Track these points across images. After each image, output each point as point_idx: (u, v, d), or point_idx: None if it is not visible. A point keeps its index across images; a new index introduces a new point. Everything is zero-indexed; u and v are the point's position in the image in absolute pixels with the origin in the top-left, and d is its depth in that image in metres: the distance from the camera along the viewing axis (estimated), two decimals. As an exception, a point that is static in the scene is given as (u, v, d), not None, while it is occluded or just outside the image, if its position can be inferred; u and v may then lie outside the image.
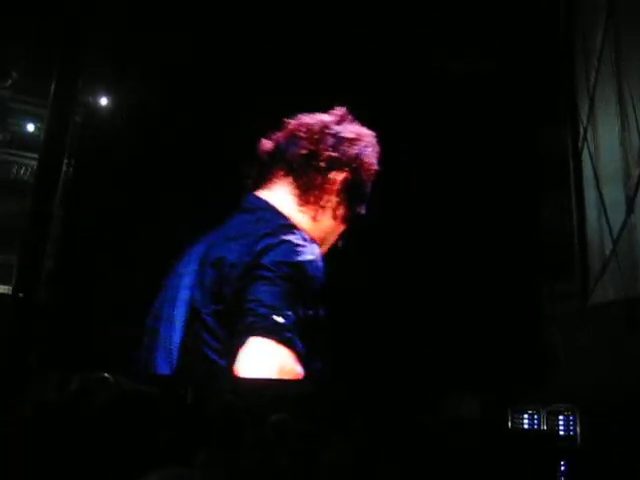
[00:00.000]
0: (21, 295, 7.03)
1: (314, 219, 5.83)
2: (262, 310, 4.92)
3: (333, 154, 5.91)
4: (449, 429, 3.13)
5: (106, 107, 8.75)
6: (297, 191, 5.87)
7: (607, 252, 5.90)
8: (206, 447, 2.70)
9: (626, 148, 5.13)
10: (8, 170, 9.91)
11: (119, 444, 2.44)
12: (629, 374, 4.21)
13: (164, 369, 5.75)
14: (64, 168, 7.93)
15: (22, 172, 9.81)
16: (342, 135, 6.02)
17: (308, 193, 5.87)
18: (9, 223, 8.98)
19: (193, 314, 5.44)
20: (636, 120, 4.69)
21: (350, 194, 5.96)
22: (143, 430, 2.59)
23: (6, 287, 8.83)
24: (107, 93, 8.69)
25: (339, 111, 6.05)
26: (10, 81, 8.97)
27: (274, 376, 4.86)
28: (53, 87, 7.79)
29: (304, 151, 5.93)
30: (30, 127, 9.81)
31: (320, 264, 5.19)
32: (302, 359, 4.93)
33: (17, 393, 3.34)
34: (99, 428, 2.54)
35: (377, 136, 6.28)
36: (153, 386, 4.53)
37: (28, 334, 6.79)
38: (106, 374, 4.69)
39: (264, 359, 4.89)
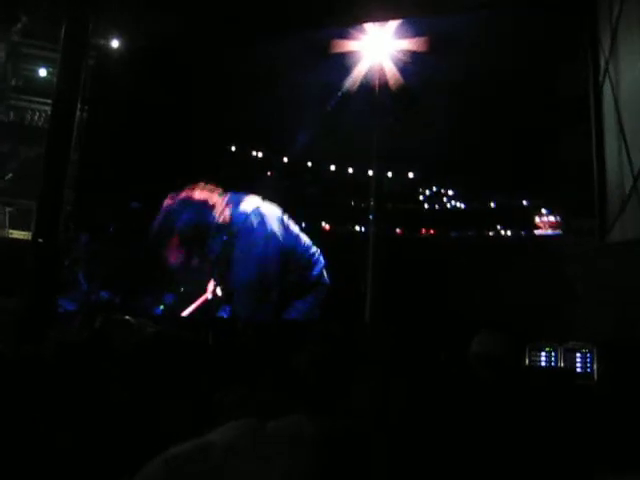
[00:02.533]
0: (40, 240, 7.09)
1: None
2: None
3: None
4: (466, 365, 3.13)
5: (118, 50, 8.64)
6: None
7: (627, 190, 5.80)
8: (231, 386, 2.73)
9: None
10: (22, 116, 9.85)
11: (139, 385, 2.47)
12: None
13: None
14: (78, 113, 7.88)
15: (36, 118, 9.75)
16: None
17: None
18: (26, 170, 8.98)
19: None
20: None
21: None
22: (165, 372, 2.62)
23: (28, 233, 8.91)
24: (119, 35, 8.57)
25: None
26: (20, 25, 8.83)
27: None
28: (64, 30, 7.67)
29: None
30: (42, 72, 9.69)
31: None
32: None
33: (40, 335, 3.37)
34: (119, 369, 2.57)
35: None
36: (175, 328, 4.61)
37: (48, 278, 6.89)
38: (128, 316, 4.77)
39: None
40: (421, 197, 8.81)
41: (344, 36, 7.93)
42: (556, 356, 4.50)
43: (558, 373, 4.33)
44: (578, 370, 4.35)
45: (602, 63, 6.90)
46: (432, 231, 8.69)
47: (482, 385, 2.96)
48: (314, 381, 2.11)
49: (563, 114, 7.33)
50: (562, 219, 7.10)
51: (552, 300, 6.13)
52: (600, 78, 7.02)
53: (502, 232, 8.36)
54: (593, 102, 7.10)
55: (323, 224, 8.28)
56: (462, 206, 8.82)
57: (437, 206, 8.76)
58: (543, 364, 4.53)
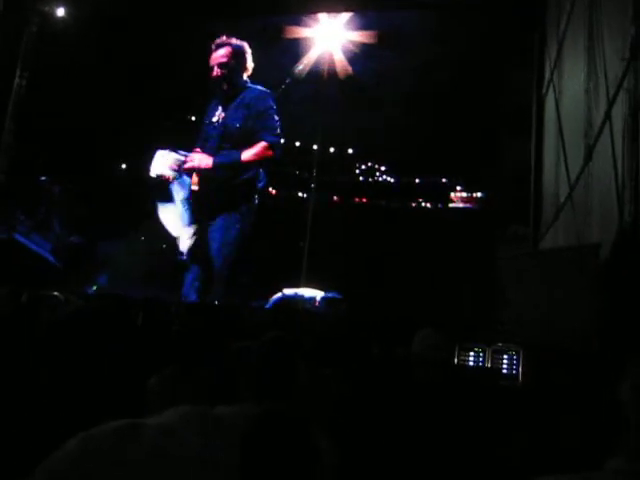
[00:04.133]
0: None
1: None
2: None
3: None
4: (401, 362, 3.17)
5: (62, 17, 8.37)
6: None
7: (562, 199, 5.95)
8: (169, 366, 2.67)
9: (590, 96, 5.10)
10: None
11: (65, 361, 2.40)
12: (573, 318, 4.30)
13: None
14: (17, 80, 7.63)
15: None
16: None
17: None
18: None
19: None
20: (604, 69, 4.65)
21: None
22: (91, 348, 2.56)
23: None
24: (64, 2, 8.32)
25: None
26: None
27: None
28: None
29: None
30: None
31: None
32: None
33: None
34: (45, 344, 2.49)
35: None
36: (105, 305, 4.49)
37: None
38: (56, 292, 4.62)
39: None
40: (357, 171, 10.32)
41: (297, 23, 8.08)
42: (484, 356, 4.58)
43: (485, 373, 4.41)
44: (504, 371, 4.43)
45: (547, 74, 7.08)
46: (364, 200, 10.11)
47: (415, 383, 3.00)
48: (261, 369, 2.09)
49: (506, 119, 7.51)
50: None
51: (484, 301, 6.27)
52: (544, 89, 7.20)
53: (423, 204, 9.89)
54: (535, 111, 7.28)
55: (270, 189, 8.94)
56: (392, 180, 10.31)
57: (370, 179, 10.22)
58: (471, 363, 4.61)
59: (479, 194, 9.72)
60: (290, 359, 2.12)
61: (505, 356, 4.48)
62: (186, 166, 5.75)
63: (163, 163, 5.82)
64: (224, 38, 5.80)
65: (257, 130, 5.67)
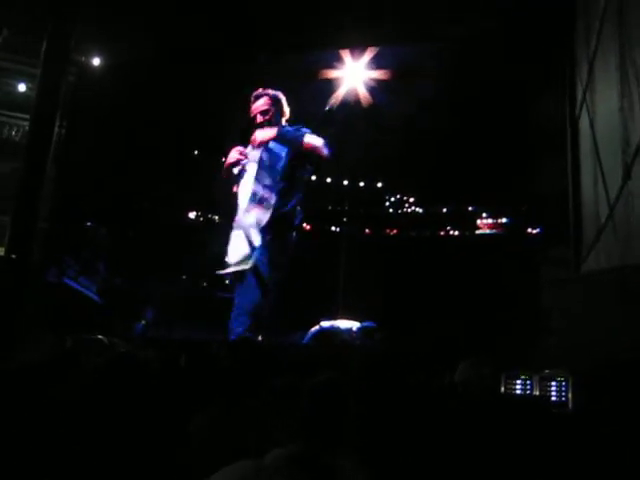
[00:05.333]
0: (14, 256, 7.00)
1: None
2: None
3: None
4: (446, 393, 3.13)
5: (99, 67, 8.65)
6: None
7: (602, 219, 5.87)
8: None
9: (625, 114, 5.06)
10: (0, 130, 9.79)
11: (111, 406, 2.42)
12: (619, 342, 4.22)
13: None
14: (56, 129, 7.86)
15: (14, 133, 9.69)
16: None
17: None
18: (2, 184, 8.91)
19: None
20: (637, 88, 4.61)
21: None
22: (136, 393, 2.58)
23: (1, 248, 8.82)
24: (100, 53, 8.60)
25: None
26: (1, 39, 8.80)
27: None
28: (45, 45, 7.65)
29: None
30: (22, 87, 9.63)
31: None
32: None
33: (7, 353, 3.32)
34: (90, 389, 2.51)
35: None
36: (149, 349, 4.54)
37: (21, 295, 6.78)
38: (100, 336, 4.69)
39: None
40: (386, 203, 10.81)
41: (322, 66, 8.48)
42: (531, 384, 4.51)
43: (533, 401, 4.33)
44: (553, 399, 4.35)
45: (579, 96, 7.04)
46: (395, 231, 10.59)
47: (460, 412, 2.95)
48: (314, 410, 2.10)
49: (541, 143, 7.47)
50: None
51: (530, 328, 6.17)
52: (577, 110, 7.15)
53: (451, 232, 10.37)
54: (570, 133, 7.22)
55: (305, 225, 9.14)
56: (420, 210, 10.86)
57: (400, 210, 10.76)
58: (519, 392, 4.54)
59: (504, 220, 10.26)
60: (344, 401, 2.13)
61: (553, 383, 4.39)
62: (257, 141, 5.89)
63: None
64: (260, 90, 6.08)
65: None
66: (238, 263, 5.58)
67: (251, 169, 5.89)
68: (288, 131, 5.87)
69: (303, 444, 1.98)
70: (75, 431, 2.14)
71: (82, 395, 2.37)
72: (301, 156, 5.81)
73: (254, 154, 5.92)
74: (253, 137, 5.90)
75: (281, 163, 5.78)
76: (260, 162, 5.81)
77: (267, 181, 5.74)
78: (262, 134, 5.85)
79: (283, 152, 5.79)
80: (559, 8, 7.23)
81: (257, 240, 5.56)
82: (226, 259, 5.68)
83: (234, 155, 5.98)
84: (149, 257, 8.37)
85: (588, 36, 6.65)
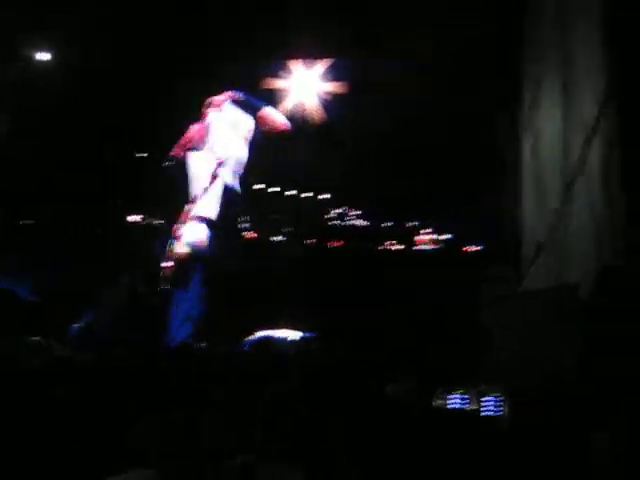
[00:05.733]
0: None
1: None
2: None
3: None
4: (383, 409, 3.14)
5: (45, 63, 8.47)
6: None
7: (542, 239, 6.00)
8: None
9: (567, 139, 5.20)
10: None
11: (47, 407, 2.37)
12: (555, 359, 4.31)
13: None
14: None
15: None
16: None
17: None
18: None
19: None
20: (579, 113, 4.76)
21: None
22: (72, 396, 2.53)
23: None
24: (47, 49, 8.43)
25: None
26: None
27: None
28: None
29: None
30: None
31: None
32: None
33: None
34: (26, 391, 2.46)
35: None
36: (89, 353, 4.44)
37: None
38: (38, 337, 4.56)
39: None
40: (332, 215, 11.09)
41: (273, 74, 8.44)
42: (468, 399, 4.56)
43: (469, 416, 4.38)
44: (489, 413, 4.41)
45: (524, 118, 7.21)
46: (339, 243, 10.86)
47: (396, 430, 2.97)
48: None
49: (485, 162, 7.63)
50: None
51: (467, 344, 6.26)
52: (520, 132, 7.32)
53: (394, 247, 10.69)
54: (513, 153, 7.38)
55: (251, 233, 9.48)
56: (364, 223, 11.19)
57: (344, 223, 11.07)
58: (456, 406, 4.58)
59: (447, 236, 10.53)
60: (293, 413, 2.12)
61: (489, 398, 4.45)
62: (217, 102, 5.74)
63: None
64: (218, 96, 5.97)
65: None
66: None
67: (216, 133, 5.65)
68: (249, 97, 5.74)
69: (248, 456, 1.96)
70: (11, 433, 2.09)
71: (18, 397, 2.32)
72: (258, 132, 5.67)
73: (217, 116, 5.72)
74: (212, 101, 5.68)
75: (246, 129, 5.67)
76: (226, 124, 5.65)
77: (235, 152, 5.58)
78: (220, 96, 5.69)
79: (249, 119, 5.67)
80: (506, 34, 7.42)
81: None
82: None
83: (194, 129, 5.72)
84: (90, 257, 8.18)
85: (534, 63, 6.83)
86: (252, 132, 5.72)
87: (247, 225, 5.73)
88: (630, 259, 3.62)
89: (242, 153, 5.63)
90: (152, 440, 2.28)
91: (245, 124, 5.71)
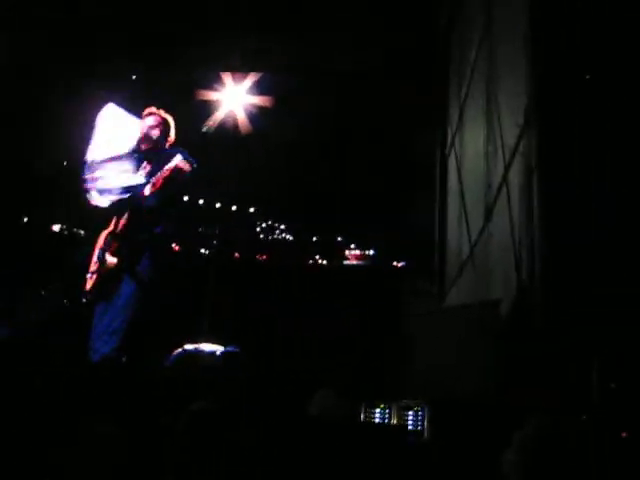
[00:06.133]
0: None
1: None
2: None
3: None
4: (305, 425, 3.14)
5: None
6: None
7: (464, 256, 6.15)
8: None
9: (489, 159, 5.35)
10: None
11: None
12: (475, 374, 4.41)
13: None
14: None
15: None
16: None
17: None
18: None
19: None
20: (501, 134, 4.90)
21: None
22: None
23: None
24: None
25: None
26: None
27: None
28: None
29: None
30: None
31: None
32: None
33: None
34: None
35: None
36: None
37: None
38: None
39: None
40: (258, 229, 11.09)
41: (203, 86, 8.44)
42: (390, 413, 4.61)
43: (390, 430, 4.43)
44: (410, 427, 4.47)
45: (449, 137, 7.40)
46: (264, 257, 10.89)
47: (318, 445, 2.97)
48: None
49: (412, 179, 7.80)
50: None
51: (394, 358, 6.33)
52: (447, 150, 7.51)
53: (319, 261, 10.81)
54: (439, 172, 7.57)
55: (174, 245, 8.92)
56: (290, 238, 11.29)
57: (270, 237, 11.10)
58: (377, 420, 4.63)
59: (371, 252, 10.72)
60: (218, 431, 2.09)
61: (410, 412, 4.51)
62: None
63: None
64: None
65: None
66: None
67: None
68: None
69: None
70: None
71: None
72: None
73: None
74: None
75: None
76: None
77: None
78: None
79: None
80: (432, 56, 7.64)
81: None
82: None
83: None
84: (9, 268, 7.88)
85: (460, 83, 7.02)
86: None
87: (172, 237, 5.62)
88: (546, 281, 3.75)
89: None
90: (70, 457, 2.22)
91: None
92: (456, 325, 5.10)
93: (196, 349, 5.62)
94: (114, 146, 5.63)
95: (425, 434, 4.34)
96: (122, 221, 5.47)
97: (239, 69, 8.38)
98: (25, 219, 9.59)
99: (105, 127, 5.67)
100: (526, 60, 4.16)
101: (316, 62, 7.92)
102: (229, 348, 5.60)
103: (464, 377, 4.57)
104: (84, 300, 5.49)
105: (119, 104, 5.78)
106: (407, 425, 4.47)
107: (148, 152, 5.68)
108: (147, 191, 5.31)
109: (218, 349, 5.71)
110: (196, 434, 2.05)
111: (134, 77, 7.97)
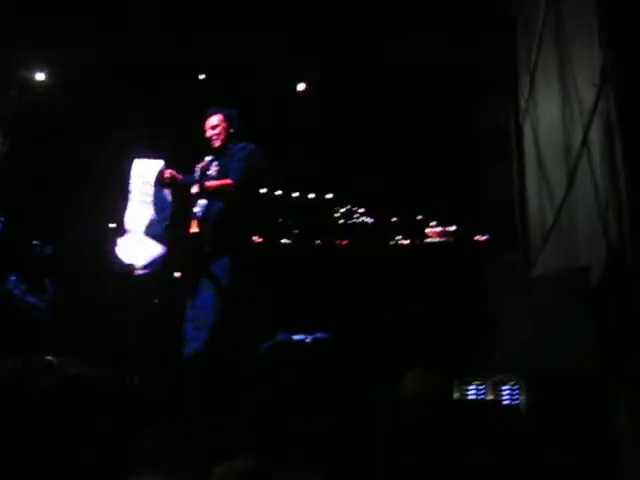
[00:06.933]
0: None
1: None
2: None
3: None
4: (398, 403, 3.15)
5: (42, 82, 8.51)
6: None
7: (547, 226, 6.01)
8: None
9: (567, 123, 5.20)
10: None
11: (60, 426, 2.38)
12: (570, 344, 4.31)
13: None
14: (-1, 146, 7.72)
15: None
16: None
17: None
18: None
19: None
20: (577, 96, 4.75)
21: None
22: (85, 414, 2.53)
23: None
24: (43, 67, 8.47)
25: None
26: None
27: None
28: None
29: None
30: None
31: None
32: None
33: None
34: (40, 411, 2.46)
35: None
36: (98, 369, 4.46)
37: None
38: (50, 357, 4.59)
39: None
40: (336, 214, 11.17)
41: None
42: (484, 389, 4.57)
43: (486, 405, 4.39)
44: (506, 402, 4.42)
45: (522, 104, 7.21)
46: (345, 242, 10.94)
47: (417, 423, 2.98)
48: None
49: (487, 150, 7.64)
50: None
51: (480, 333, 6.27)
52: (520, 118, 7.33)
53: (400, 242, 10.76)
54: (515, 141, 7.39)
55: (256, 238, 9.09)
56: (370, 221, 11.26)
57: (349, 221, 11.16)
58: (472, 397, 4.60)
59: (453, 227, 10.56)
60: (287, 411, 2.12)
61: (506, 387, 4.46)
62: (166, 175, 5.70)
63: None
64: (215, 108, 6.01)
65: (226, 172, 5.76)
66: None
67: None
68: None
69: (254, 458, 1.96)
70: (30, 454, 2.10)
71: (35, 417, 2.33)
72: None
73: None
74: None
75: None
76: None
77: None
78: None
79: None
80: (500, 21, 7.44)
81: None
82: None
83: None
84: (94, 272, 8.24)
85: (528, 47, 6.82)
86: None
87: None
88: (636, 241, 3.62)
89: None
90: (166, 445, 2.29)
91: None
92: (544, 295, 5.01)
93: (287, 337, 5.75)
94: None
95: (521, 409, 4.28)
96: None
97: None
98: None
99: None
100: (600, 15, 4.02)
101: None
102: (319, 334, 5.69)
103: (557, 348, 4.48)
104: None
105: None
106: (502, 400, 4.41)
107: (217, 150, 5.83)
108: (194, 189, 5.47)
109: (308, 337, 5.81)
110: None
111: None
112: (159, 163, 5.65)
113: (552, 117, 5.78)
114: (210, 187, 5.51)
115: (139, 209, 5.52)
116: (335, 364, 4.42)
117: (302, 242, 10.19)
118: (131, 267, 5.36)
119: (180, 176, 5.61)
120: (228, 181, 5.53)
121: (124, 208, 5.50)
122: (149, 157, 5.68)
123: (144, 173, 5.62)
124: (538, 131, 6.46)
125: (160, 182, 5.56)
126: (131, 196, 5.56)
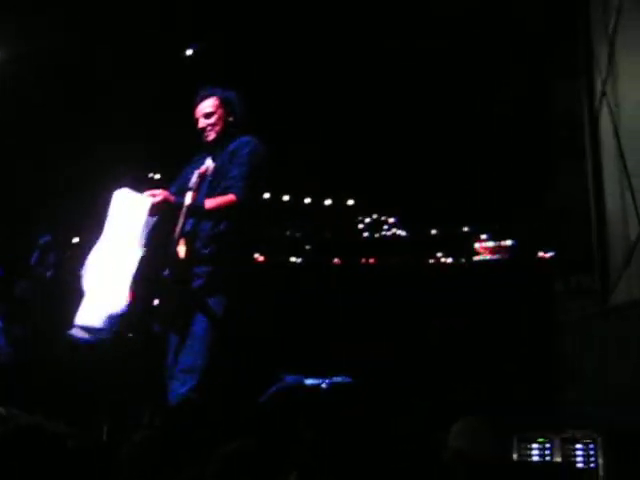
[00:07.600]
0: None
1: None
2: None
3: None
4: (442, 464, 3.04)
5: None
6: None
7: (633, 238, 5.91)
8: None
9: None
10: None
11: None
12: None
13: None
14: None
15: None
16: None
17: None
18: None
19: None
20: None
21: None
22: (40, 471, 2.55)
23: None
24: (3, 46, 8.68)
25: None
26: None
27: None
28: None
29: None
30: None
31: None
32: None
33: None
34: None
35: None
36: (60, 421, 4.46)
37: None
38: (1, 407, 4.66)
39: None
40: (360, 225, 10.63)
41: None
42: (551, 448, 4.48)
43: (555, 470, 4.28)
44: (579, 465, 4.33)
45: (598, 87, 7.13)
46: (372, 260, 10.35)
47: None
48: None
49: (553, 148, 7.57)
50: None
51: (544, 377, 6.18)
52: (596, 105, 7.24)
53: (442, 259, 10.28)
54: (589, 134, 7.30)
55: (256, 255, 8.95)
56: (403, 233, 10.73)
57: (377, 235, 10.61)
58: (536, 459, 4.51)
59: (509, 242, 10.30)
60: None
61: (579, 446, 4.37)
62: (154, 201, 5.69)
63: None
64: (208, 89, 6.01)
65: (227, 178, 5.76)
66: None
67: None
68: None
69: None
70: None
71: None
72: None
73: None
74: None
75: None
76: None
77: None
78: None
79: None
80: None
81: None
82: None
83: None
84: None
85: (606, 15, 6.75)
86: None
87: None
88: None
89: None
90: None
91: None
92: (630, 326, 4.92)
93: (297, 381, 5.65)
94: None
95: (600, 473, 4.17)
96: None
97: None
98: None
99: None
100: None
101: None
102: (338, 378, 5.58)
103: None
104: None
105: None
106: (575, 462, 4.28)
107: (211, 146, 5.80)
108: (188, 200, 5.43)
109: (324, 381, 5.71)
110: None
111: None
112: (147, 199, 5.64)
113: (637, 101, 5.68)
114: (210, 209, 5.49)
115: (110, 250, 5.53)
116: (356, 412, 4.35)
117: (315, 260, 10.03)
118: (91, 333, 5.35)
119: (172, 198, 5.56)
120: (231, 198, 5.49)
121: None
122: (132, 181, 5.72)
123: (127, 208, 5.63)
124: (619, 117, 6.35)
125: (150, 213, 5.59)
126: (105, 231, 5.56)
